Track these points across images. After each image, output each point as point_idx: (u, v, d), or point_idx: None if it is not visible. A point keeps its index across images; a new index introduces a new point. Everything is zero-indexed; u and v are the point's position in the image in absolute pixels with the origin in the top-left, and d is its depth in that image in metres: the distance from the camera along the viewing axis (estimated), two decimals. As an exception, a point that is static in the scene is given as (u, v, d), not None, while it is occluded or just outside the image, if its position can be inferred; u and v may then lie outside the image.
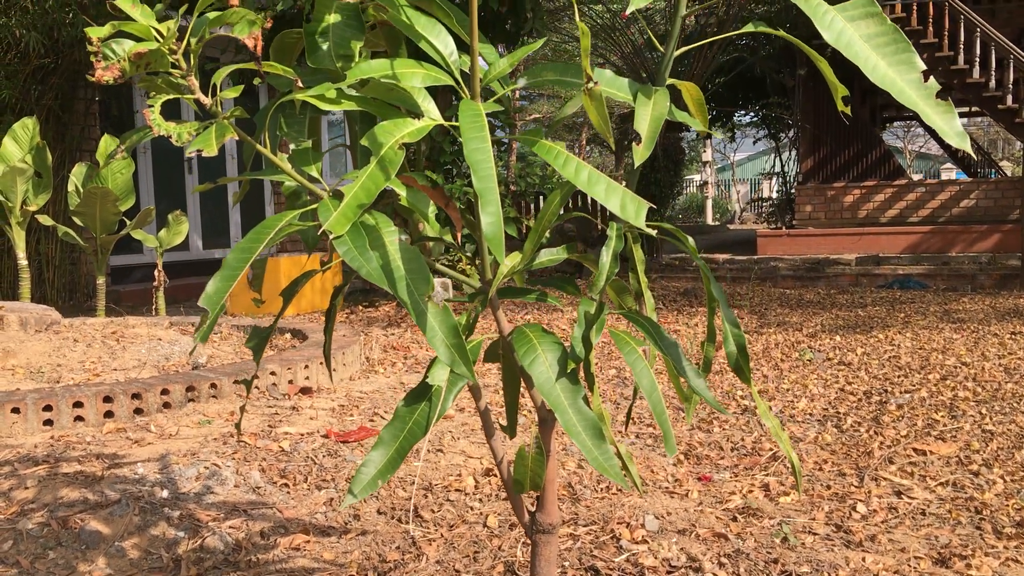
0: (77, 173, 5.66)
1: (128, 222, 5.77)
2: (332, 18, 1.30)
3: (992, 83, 11.36)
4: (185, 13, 1.20)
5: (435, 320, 1.13)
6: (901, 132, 29.02)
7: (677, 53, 1.35)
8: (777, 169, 15.43)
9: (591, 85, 1.05)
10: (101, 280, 5.85)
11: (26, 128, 5.42)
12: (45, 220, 5.54)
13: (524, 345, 1.31)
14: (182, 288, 9.06)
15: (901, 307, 6.40)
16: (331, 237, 1.11)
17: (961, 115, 18.86)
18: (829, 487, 2.67)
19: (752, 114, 16.80)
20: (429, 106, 1.27)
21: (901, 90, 1.11)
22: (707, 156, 24.32)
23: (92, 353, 3.77)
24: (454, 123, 1.21)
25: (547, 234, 1.37)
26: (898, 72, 1.12)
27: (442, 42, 1.23)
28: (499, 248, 1.03)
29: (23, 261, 5.59)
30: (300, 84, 1.21)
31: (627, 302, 1.55)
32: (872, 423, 3.37)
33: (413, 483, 2.55)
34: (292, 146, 1.34)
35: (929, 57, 11.66)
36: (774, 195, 17.15)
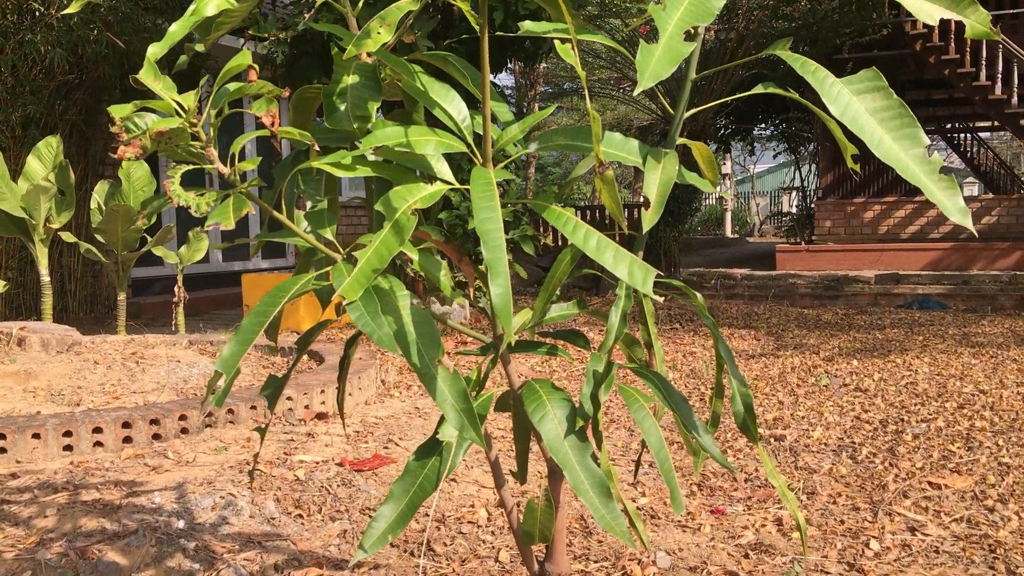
0: (100, 190, 5.73)
1: (149, 239, 5.84)
2: (350, 79, 1.33)
3: (1015, 99, 11.29)
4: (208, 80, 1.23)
5: (445, 385, 1.15)
6: (922, 145, 28.81)
7: (695, 77, 1.36)
8: (797, 183, 15.37)
9: (602, 170, 1.07)
10: (122, 296, 5.92)
11: (50, 147, 5.50)
12: (68, 237, 5.61)
13: (534, 401, 1.33)
14: (202, 300, 9.14)
15: (920, 329, 6.36)
16: (344, 303, 1.14)
17: (983, 129, 18.74)
18: (843, 522, 2.66)
19: (772, 128, 16.76)
20: (443, 167, 1.30)
21: (906, 165, 1.13)
22: (726, 169, 24.27)
23: (112, 375, 3.82)
24: (466, 187, 1.23)
25: (557, 291, 1.38)
26: (903, 147, 1.14)
27: (455, 108, 1.26)
28: (507, 319, 1.05)
29: (46, 278, 5.66)
30: (317, 148, 1.24)
31: (637, 354, 1.57)
32: (888, 454, 3.36)
33: (427, 514, 2.57)
34: (309, 204, 1.37)
35: (951, 73, 11.59)
36: (793, 209, 17.09)
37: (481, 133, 1.28)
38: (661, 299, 1.19)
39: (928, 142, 1.15)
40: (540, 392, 1.34)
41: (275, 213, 1.17)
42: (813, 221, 13.26)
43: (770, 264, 12.82)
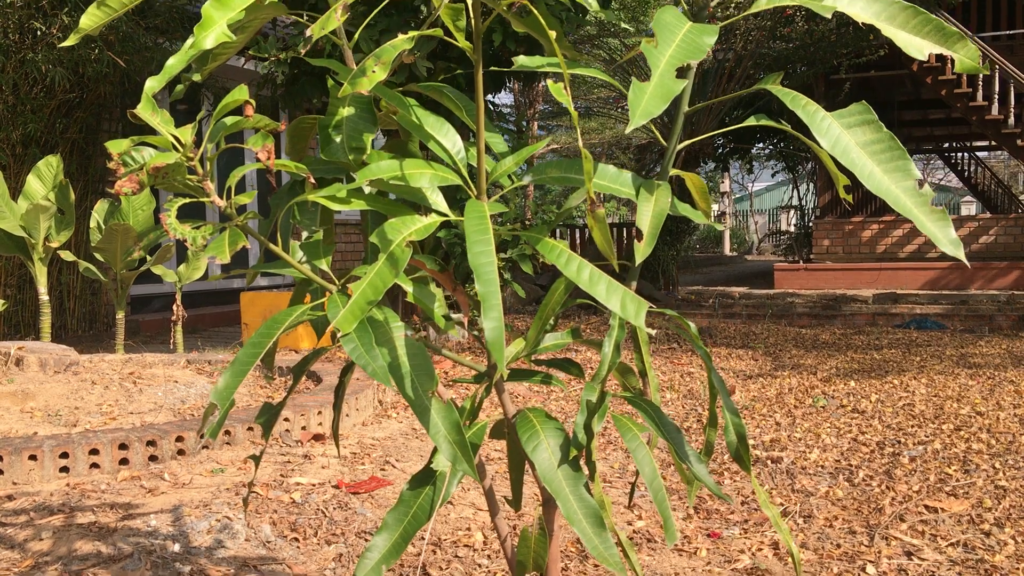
0: (99, 209, 5.75)
1: (149, 257, 5.85)
2: (345, 111, 1.34)
3: (1011, 119, 11.35)
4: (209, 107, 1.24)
5: (438, 417, 1.16)
6: (921, 165, 28.96)
7: (688, 110, 1.38)
8: (795, 202, 15.42)
9: (593, 208, 1.08)
10: (120, 315, 5.92)
11: (50, 166, 5.52)
12: (67, 256, 5.62)
13: (527, 431, 1.34)
14: (201, 318, 9.15)
15: (917, 350, 6.37)
16: (339, 335, 1.15)
17: (981, 149, 18.82)
18: (839, 546, 2.66)
19: (770, 147, 16.82)
20: (438, 199, 1.31)
21: (897, 198, 1.14)
22: (725, 187, 24.35)
23: (109, 395, 3.82)
24: (461, 218, 1.24)
25: (552, 320, 1.39)
26: (893, 179, 1.15)
27: (450, 141, 1.27)
28: (500, 355, 1.06)
29: (44, 296, 5.67)
30: (312, 180, 1.25)
31: (631, 382, 1.57)
32: (884, 477, 3.36)
33: (423, 538, 2.57)
34: (304, 233, 1.38)
35: (948, 94, 11.66)
36: (792, 228, 17.13)
37: (475, 165, 1.30)
38: (653, 331, 1.20)
39: (919, 175, 1.16)
40: (534, 421, 1.35)
41: (271, 245, 1.18)
42: (811, 240, 13.30)
43: (768, 282, 12.85)
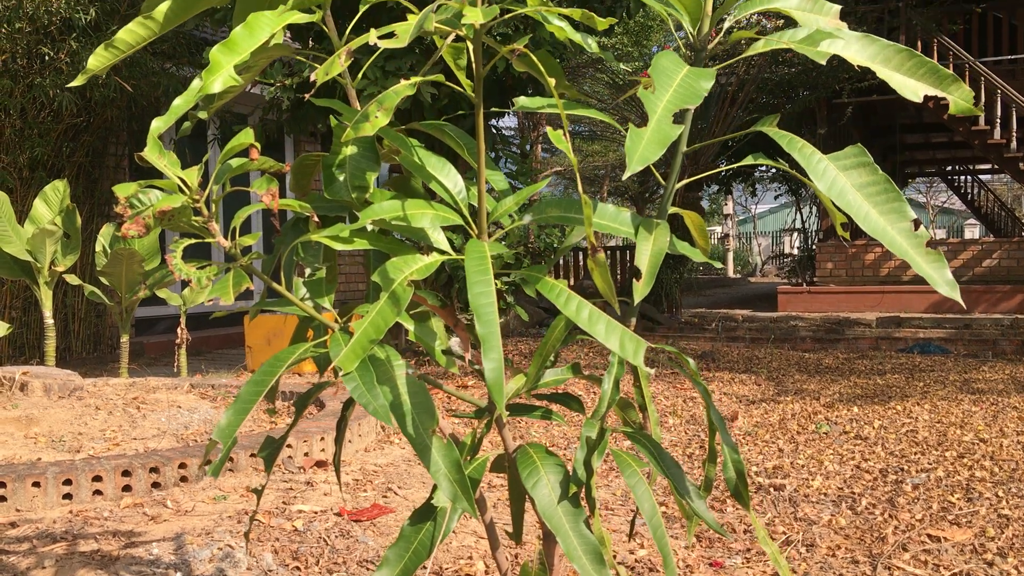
0: (105, 233, 5.78)
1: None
2: (348, 150, 1.36)
3: (1014, 143, 11.38)
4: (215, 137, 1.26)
5: (439, 455, 1.17)
6: (924, 187, 29.01)
7: (687, 150, 1.40)
8: (798, 224, 15.45)
9: (594, 252, 1.10)
10: (125, 338, 5.94)
11: (57, 191, 5.56)
12: (73, 280, 5.65)
13: (527, 467, 1.35)
14: (205, 340, 9.17)
15: (920, 375, 6.36)
16: (341, 374, 1.16)
17: (984, 172, 18.85)
18: (841, 576, 2.66)
19: (774, 169, 16.86)
20: (439, 237, 1.32)
21: (892, 239, 1.15)
22: (728, 209, 24.39)
23: (113, 421, 3.83)
24: (461, 256, 1.26)
25: (552, 357, 1.41)
26: (889, 221, 1.16)
27: (451, 181, 1.29)
28: (499, 396, 1.07)
29: (49, 320, 5.69)
30: (316, 219, 1.27)
31: (631, 416, 1.58)
32: (887, 505, 3.35)
33: (424, 567, 2.57)
34: (308, 270, 1.40)
35: (950, 118, 11.70)
36: (795, 250, 17.16)
37: (476, 204, 1.31)
38: (652, 371, 1.21)
39: (914, 216, 1.18)
40: (534, 457, 1.36)
41: (274, 285, 1.20)
42: (814, 262, 13.31)
43: (772, 305, 12.85)
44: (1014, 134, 11.38)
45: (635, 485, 1.37)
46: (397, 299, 1.19)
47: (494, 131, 8.21)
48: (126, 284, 5.57)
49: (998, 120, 11.47)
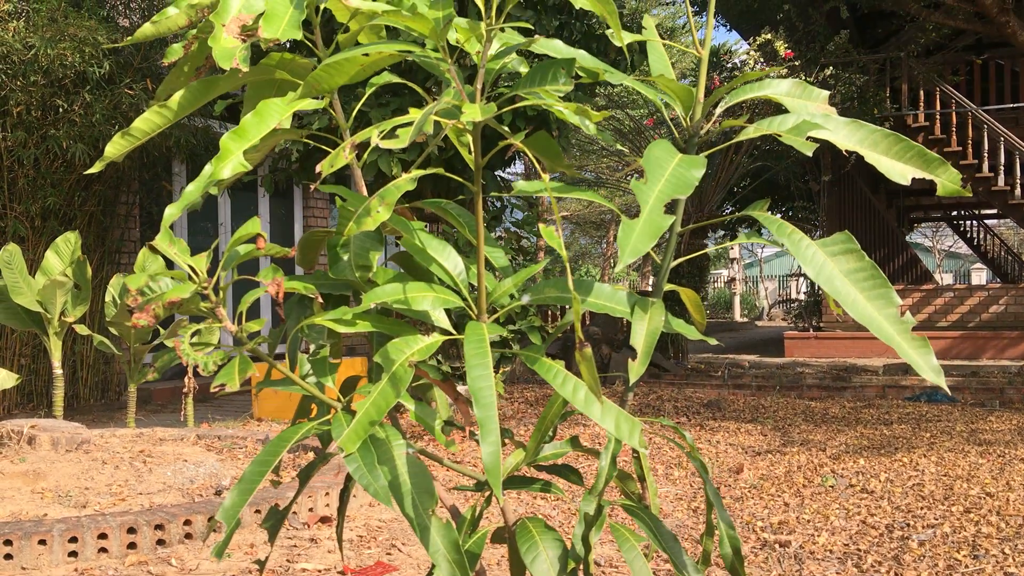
0: (115, 284, 5.84)
1: (162, 331, 5.92)
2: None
3: (1018, 191, 11.43)
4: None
5: (437, 535, 1.19)
6: (930, 232, 29.06)
7: (682, 230, 1.43)
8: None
9: (581, 347, 1.13)
10: (132, 388, 5.98)
11: (68, 242, 5.63)
12: (82, 330, 5.70)
13: (526, 541, 1.37)
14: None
15: (927, 425, 6.34)
16: (343, 454, 1.19)
17: (990, 216, 18.89)
18: (846, 638, 2.65)
19: (779, 214, 16.94)
20: (440, 316, 1.36)
21: (880, 325, 1.18)
22: (735, 253, 24.46)
23: (119, 475, 3.85)
24: (460, 336, 1.29)
25: (551, 431, 1.43)
26: (876, 307, 1.19)
27: (451, 263, 1.33)
28: (496, 480, 1.09)
29: (58, 370, 5.73)
30: (320, 299, 1.31)
31: (630, 488, 1.60)
32: (893, 563, 3.34)
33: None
34: (312, 347, 1.43)
35: (954, 165, 11.77)
36: (802, 295, 17.16)
37: (476, 284, 1.35)
38: (646, 450, 1.24)
39: (900, 302, 1.21)
40: (533, 532, 1.38)
41: (278, 367, 1.23)
42: (821, 307, 13.32)
43: (779, 350, 12.83)
44: (1018, 181, 11.44)
45: (633, 560, 1.39)
46: (398, 381, 1.22)
47: (500, 179, 8.30)
48: (135, 335, 5.62)
49: (1002, 167, 11.53)
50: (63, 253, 5.62)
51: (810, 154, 1.22)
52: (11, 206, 7.73)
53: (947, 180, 1.36)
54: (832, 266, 1.22)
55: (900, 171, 1.34)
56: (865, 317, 1.19)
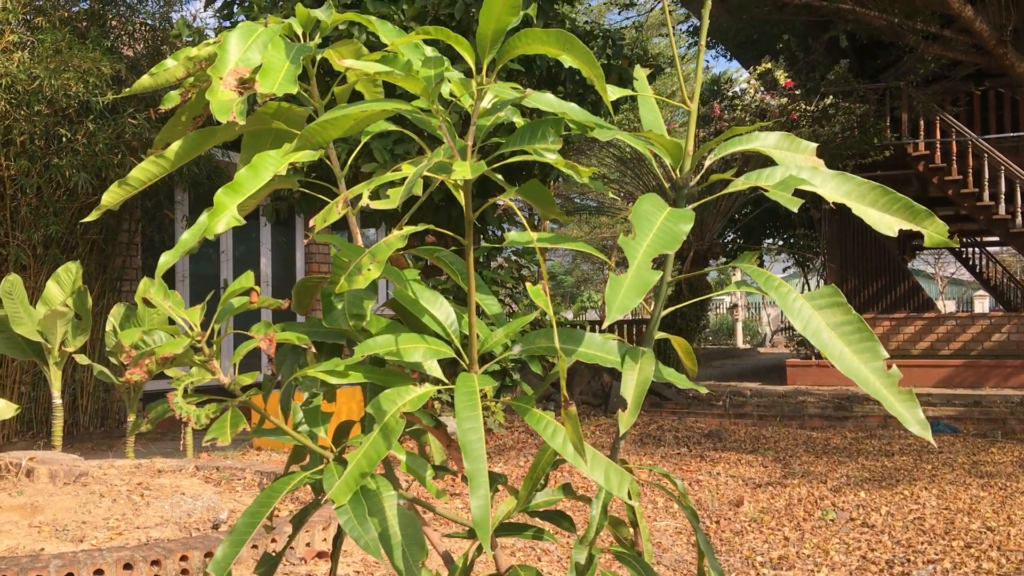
0: (115, 313, 5.85)
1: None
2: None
3: (1019, 219, 11.44)
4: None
5: (428, 588, 1.20)
6: (932, 259, 29.07)
7: (671, 279, 1.44)
8: (806, 297, 15.46)
9: (567, 405, 1.14)
10: (132, 417, 5.97)
11: (69, 272, 5.66)
12: (82, 360, 5.71)
13: (518, 590, 1.37)
14: (211, 416, 9.17)
15: (929, 456, 6.32)
16: (334, 506, 1.20)
17: (992, 244, 18.90)
18: (844, 678, 2.63)
19: (780, 241, 16.98)
20: (433, 365, 1.37)
21: (866, 378, 1.19)
22: (737, 277, 24.45)
23: (116, 509, 3.84)
24: (451, 386, 1.30)
25: (542, 479, 1.44)
26: (863, 360, 1.20)
27: (443, 313, 1.34)
28: (485, 534, 1.10)
29: (58, 400, 5.74)
30: (313, 350, 1.32)
31: (623, 533, 1.61)
32: (892, 599, 3.32)
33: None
34: (305, 395, 1.44)
35: (955, 193, 11.80)
36: (803, 322, 17.14)
37: (468, 333, 1.36)
38: (637, 502, 1.25)
39: (886, 355, 1.22)
40: (524, 581, 1.38)
41: (271, 418, 1.24)
42: (823, 336, 13.28)
43: (781, 377, 12.78)
44: (1019, 209, 11.46)
45: (624, 609, 1.39)
46: (390, 432, 1.23)
47: (497, 205, 8.34)
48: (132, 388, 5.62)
49: (1003, 195, 11.56)
50: (64, 283, 5.64)
51: (795, 210, 1.23)
52: (13, 234, 7.76)
53: (933, 232, 1.38)
54: (819, 319, 1.23)
55: (887, 223, 1.36)
56: (852, 371, 1.20)
